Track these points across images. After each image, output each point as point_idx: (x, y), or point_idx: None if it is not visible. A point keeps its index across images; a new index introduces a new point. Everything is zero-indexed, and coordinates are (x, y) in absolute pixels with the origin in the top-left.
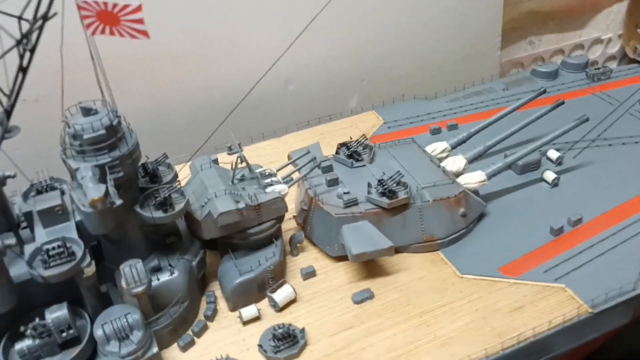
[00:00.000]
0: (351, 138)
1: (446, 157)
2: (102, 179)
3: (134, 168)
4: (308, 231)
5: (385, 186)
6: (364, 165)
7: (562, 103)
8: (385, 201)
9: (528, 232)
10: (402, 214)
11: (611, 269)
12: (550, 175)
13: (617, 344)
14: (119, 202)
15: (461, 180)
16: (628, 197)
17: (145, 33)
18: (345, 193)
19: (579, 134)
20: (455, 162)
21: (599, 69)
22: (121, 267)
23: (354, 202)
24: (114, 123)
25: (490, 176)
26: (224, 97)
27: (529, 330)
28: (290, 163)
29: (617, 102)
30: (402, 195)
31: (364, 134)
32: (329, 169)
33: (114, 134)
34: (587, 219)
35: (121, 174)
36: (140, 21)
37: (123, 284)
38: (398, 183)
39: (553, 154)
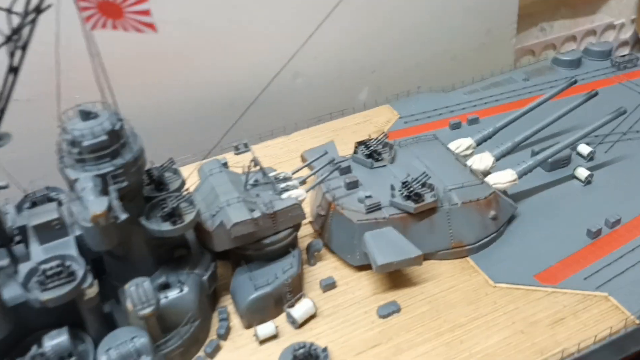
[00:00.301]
0: (370, 136)
1: (471, 154)
2: (105, 190)
3: (140, 176)
4: (326, 238)
5: (411, 189)
6: (384, 166)
7: (596, 94)
8: (411, 205)
9: (563, 235)
10: (429, 218)
11: None
12: (582, 172)
13: None
14: (123, 216)
15: (490, 180)
16: None
17: (152, 26)
18: (366, 197)
19: (609, 126)
20: (482, 160)
21: (624, 56)
22: (126, 286)
23: (377, 207)
24: (117, 127)
25: (520, 175)
26: (232, 93)
27: (573, 345)
28: (308, 164)
29: None
30: (428, 198)
31: (383, 132)
32: (347, 170)
33: (116, 139)
34: (626, 219)
35: (125, 183)
36: (147, 12)
37: (129, 305)
38: (423, 185)
39: (584, 148)
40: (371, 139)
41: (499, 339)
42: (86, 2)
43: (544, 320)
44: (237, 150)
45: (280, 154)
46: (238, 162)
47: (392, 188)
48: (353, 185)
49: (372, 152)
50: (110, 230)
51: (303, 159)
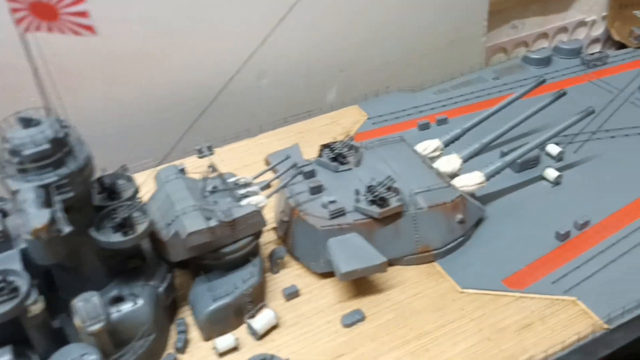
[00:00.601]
0: (335, 138)
1: (439, 156)
2: (48, 202)
3: (87, 186)
4: (290, 245)
5: (376, 193)
6: (350, 169)
7: (565, 94)
8: (376, 210)
9: (531, 237)
10: (395, 223)
11: (625, 276)
12: (552, 173)
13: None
14: (67, 229)
15: (457, 182)
16: (637, 195)
17: (90, 28)
18: (330, 202)
19: (579, 125)
20: (449, 162)
21: (594, 54)
22: (73, 302)
23: (340, 213)
24: (60, 135)
25: (489, 177)
26: (192, 94)
27: (540, 352)
28: (270, 169)
29: (616, 89)
30: (394, 202)
31: (348, 134)
32: (311, 175)
33: (60, 148)
34: (595, 220)
35: (71, 194)
36: (84, 14)
37: (77, 321)
38: (389, 189)
39: (553, 149)
40: (336, 142)
41: (466, 347)
42: (17, 3)
43: (511, 326)
44: (201, 154)
45: (245, 157)
46: (201, 167)
47: (357, 192)
48: (317, 190)
49: (337, 155)
50: (56, 243)
51: (267, 163)
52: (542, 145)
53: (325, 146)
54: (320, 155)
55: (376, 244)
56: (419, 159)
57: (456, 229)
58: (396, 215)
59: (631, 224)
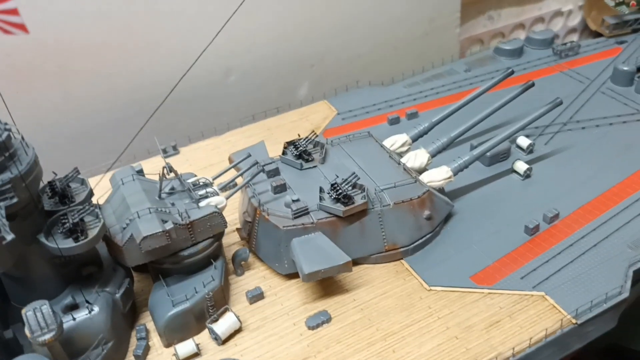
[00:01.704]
0: (299, 135)
1: (407, 151)
2: None
3: (33, 191)
4: (254, 246)
5: (340, 191)
6: (314, 167)
7: (533, 85)
8: (339, 208)
9: (501, 232)
10: (360, 221)
11: (594, 271)
12: (521, 166)
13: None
14: (9, 237)
15: (424, 178)
16: (607, 187)
17: (21, 27)
18: (294, 201)
19: (550, 117)
20: (417, 158)
21: (565, 44)
22: (23, 311)
23: (304, 212)
24: (2, 139)
25: (456, 171)
26: (153, 92)
27: (507, 350)
28: (230, 168)
29: (587, 79)
30: (359, 200)
31: (313, 131)
32: (275, 173)
33: (1, 152)
34: (564, 213)
35: (15, 200)
36: (14, 12)
37: (27, 332)
38: (354, 186)
39: (523, 141)
40: (300, 139)
41: (433, 346)
42: None
43: (479, 324)
44: (165, 154)
45: (211, 156)
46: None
47: (321, 190)
48: (281, 189)
49: (301, 152)
50: (0, 252)
51: (231, 161)
52: (511, 138)
53: (289, 143)
54: (284, 153)
55: (341, 243)
56: (386, 155)
57: (424, 225)
58: (361, 213)
59: (600, 217)
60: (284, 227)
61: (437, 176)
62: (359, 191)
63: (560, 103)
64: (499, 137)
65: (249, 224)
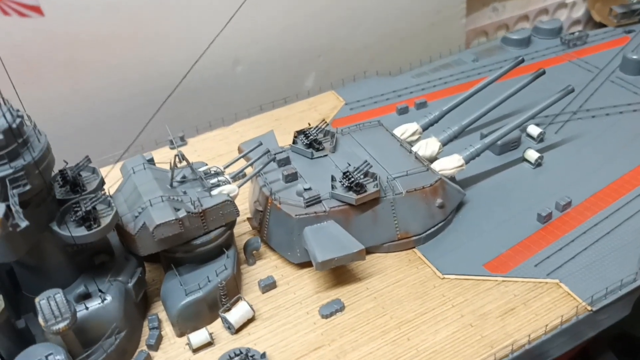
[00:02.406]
0: (309, 124)
1: (417, 140)
2: (5, 195)
3: (46, 178)
4: (265, 235)
5: (352, 179)
6: (325, 155)
7: (544, 73)
8: (352, 197)
9: (513, 220)
10: (373, 209)
11: (608, 258)
12: (532, 155)
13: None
14: (23, 224)
15: (436, 166)
16: (618, 174)
17: (37, 9)
18: (306, 190)
19: (559, 105)
20: (428, 146)
21: (573, 33)
22: (36, 300)
23: (316, 200)
24: (15, 125)
25: (468, 160)
26: (161, 83)
27: (523, 337)
28: (241, 157)
29: (596, 68)
30: (371, 188)
31: (324, 119)
32: (286, 162)
33: (14, 139)
34: (576, 201)
35: (28, 187)
36: None
37: (41, 321)
38: (366, 174)
39: (534, 130)
40: (311, 127)
41: (447, 334)
42: None
43: (493, 311)
44: (173, 145)
45: (220, 147)
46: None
47: (333, 179)
48: (292, 178)
49: (312, 141)
50: (14, 240)
51: (240, 151)
52: (522, 126)
53: (299, 132)
54: (294, 142)
55: (354, 231)
56: (397, 143)
57: (436, 213)
58: (374, 201)
59: (613, 204)
60: (296, 215)
61: (449, 164)
62: (371, 179)
63: (572, 90)
64: (509, 126)
65: (260, 213)
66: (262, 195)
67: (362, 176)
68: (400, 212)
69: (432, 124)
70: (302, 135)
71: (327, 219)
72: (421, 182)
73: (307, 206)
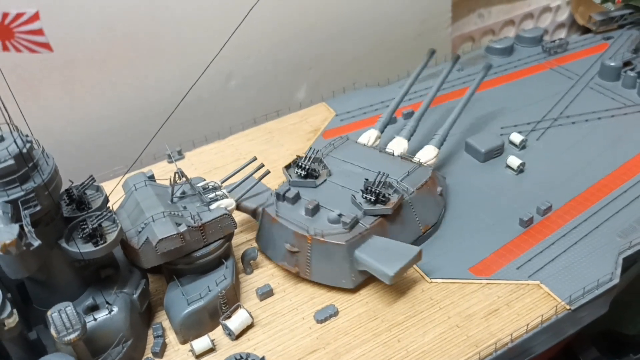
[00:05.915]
0: (298, 156)
1: (379, 143)
2: (17, 216)
3: (55, 198)
4: (307, 273)
5: (378, 192)
6: (325, 180)
7: (458, 57)
8: (387, 208)
9: (496, 225)
10: (399, 214)
11: (586, 259)
12: (514, 161)
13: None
14: (36, 243)
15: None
16: (597, 179)
17: (47, 46)
18: (339, 215)
19: (541, 113)
20: (399, 145)
21: (554, 41)
22: (48, 313)
23: (355, 222)
24: (25, 150)
25: (439, 145)
26: (159, 100)
27: (506, 336)
28: (238, 171)
29: (576, 75)
30: (394, 197)
31: (297, 155)
32: (297, 197)
33: (25, 163)
34: (557, 206)
35: (38, 207)
36: (40, 32)
37: (53, 332)
38: (383, 185)
39: (516, 137)
40: (300, 158)
41: (435, 335)
42: None
43: (478, 312)
44: (170, 159)
45: (215, 160)
46: (171, 172)
47: (354, 198)
48: (316, 210)
49: (309, 171)
50: (27, 257)
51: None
52: (505, 134)
53: (292, 163)
54: (290, 176)
55: (392, 238)
56: (376, 151)
57: (439, 201)
58: (399, 206)
59: (591, 208)
60: (346, 242)
61: (429, 155)
62: (389, 188)
63: (491, 66)
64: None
65: (295, 255)
66: (297, 236)
67: (381, 187)
68: (417, 208)
69: (385, 125)
70: (297, 168)
71: (369, 236)
72: (422, 178)
73: (351, 230)
